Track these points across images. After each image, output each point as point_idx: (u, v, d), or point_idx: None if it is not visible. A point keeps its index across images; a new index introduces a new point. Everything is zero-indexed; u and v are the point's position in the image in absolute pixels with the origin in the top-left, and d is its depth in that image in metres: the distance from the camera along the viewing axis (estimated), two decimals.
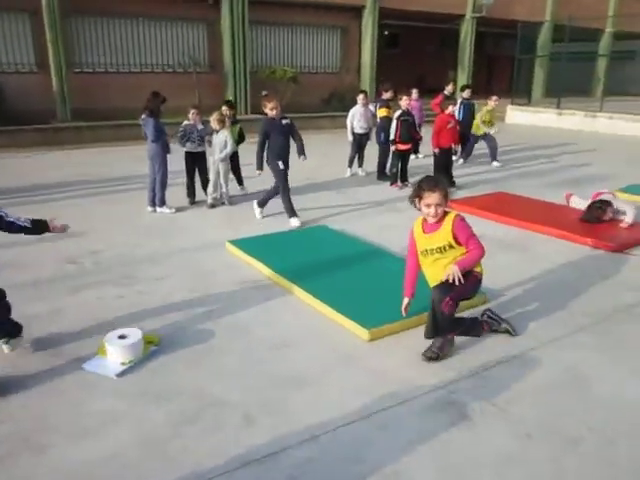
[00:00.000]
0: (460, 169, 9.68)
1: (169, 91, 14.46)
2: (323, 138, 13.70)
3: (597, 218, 6.11)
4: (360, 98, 9.02)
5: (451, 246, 3.36)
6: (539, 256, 5.30)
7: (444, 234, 3.36)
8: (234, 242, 5.33)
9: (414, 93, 10.83)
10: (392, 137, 8.22)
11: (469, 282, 3.36)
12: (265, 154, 6.17)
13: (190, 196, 7.22)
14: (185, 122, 7.37)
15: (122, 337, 3.36)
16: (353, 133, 9.16)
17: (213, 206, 7.02)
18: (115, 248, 5.48)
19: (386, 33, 23.33)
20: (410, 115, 8.34)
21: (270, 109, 6.00)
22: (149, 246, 5.55)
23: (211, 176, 7.02)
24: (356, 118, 9.03)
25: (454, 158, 10.15)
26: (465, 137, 10.69)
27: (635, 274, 4.83)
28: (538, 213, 6.54)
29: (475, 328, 3.67)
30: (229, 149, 6.93)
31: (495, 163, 10.25)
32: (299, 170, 9.68)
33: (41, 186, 8.15)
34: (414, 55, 24.26)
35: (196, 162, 7.19)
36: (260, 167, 6.18)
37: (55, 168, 9.67)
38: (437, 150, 8.16)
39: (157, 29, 15.54)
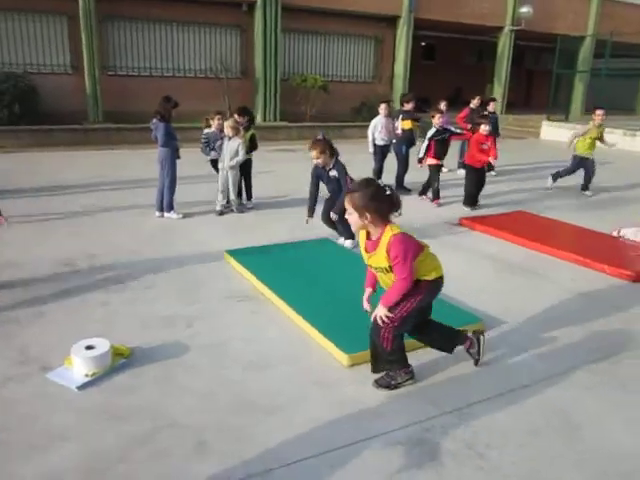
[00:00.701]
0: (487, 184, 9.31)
1: (200, 96, 14.79)
2: (348, 148, 13.49)
3: None
4: (382, 108, 8.79)
5: (392, 269, 2.95)
6: (550, 282, 4.98)
7: (381, 257, 2.94)
8: (232, 252, 5.19)
9: (442, 105, 10.56)
10: (421, 155, 7.94)
11: (406, 307, 3.00)
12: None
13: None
14: (206, 130, 7.31)
15: (90, 347, 3.25)
16: (374, 145, 8.95)
17: (222, 214, 6.92)
18: (114, 253, 5.41)
19: (423, 44, 23.06)
20: (446, 131, 7.96)
21: (313, 157, 5.55)
22: (148, 252, 5.47)
23: (220, 183, 6.92)
24: (377, 129, 8.82)
25: (493, 174, 9.80)
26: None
27: None
28: (557, 235, 6.21)
29: (455, 339, 3.34)
30: (240, 157, 6.82)
31: (587, 192, 9.12)
32: None
33: (59, 187, 8.22)
34: (451, 67, 23.87)
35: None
36: (310, 214, 5.76)
37: (78, 168, 9.78)
38: (476, 166, 7.67)
39: (191, 34, 15.70)
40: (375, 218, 2.89)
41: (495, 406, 3.04)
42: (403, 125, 8.77)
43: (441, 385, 3.23)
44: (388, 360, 3.15)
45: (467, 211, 7.54)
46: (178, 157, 6.78)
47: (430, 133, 7.93)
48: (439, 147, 7.86)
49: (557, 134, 17.53)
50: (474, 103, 10.56)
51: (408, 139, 8.81)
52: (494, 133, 10.11)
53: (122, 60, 15.02)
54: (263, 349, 3.60)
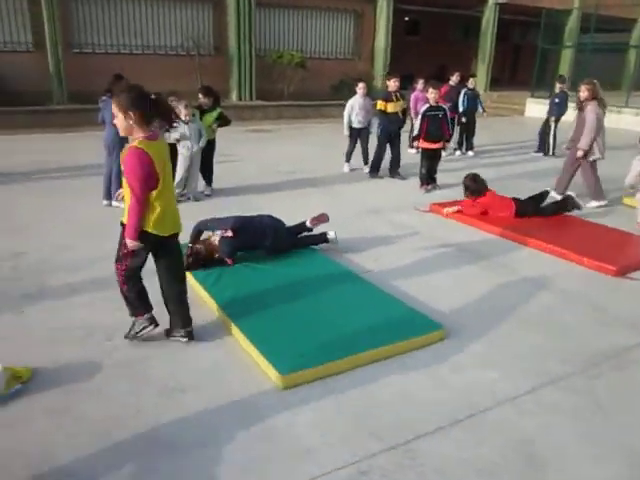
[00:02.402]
0: (457, 162, 8.85)
1: (171, 75, 14.07)
2: (327, 127, 12.98)
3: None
4: (360, 87, 8.09)
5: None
6: (522, 277, 4.51)
7: (123, 162, 2.99)
8: None
9: (420, 83, 10.00)
10: (416, 133, 7.34)
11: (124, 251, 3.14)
12: None
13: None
14: None
15: None
16: (350, 127, 8.30)
17: (177, 202, 6.38)
18: (44, 250, 4.87)
19: (406, 19, 22.30)
20: (441, 110, 7.29)
21: None
22: (83, 248, 4.94)
23: (182, 170, 6.43)
24: (355, 110, 8.13)
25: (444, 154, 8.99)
26: (470, 128, 9.99)
27: (635, 306, 4.04)
28: (531, 222, 5.71)
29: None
30: (202, 142, 6.51)
31: None
32: (287, 160, 9.06)
33: (5, 173, 7.62)
34: (436, 43, 23.14)
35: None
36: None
37: (33, 152, 9.15)
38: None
39: (160, 9, 14.90)
40: (138, 119, 2.92)
41: (448, 438, 2.59)
42: (379, 106, 8.02)
43: (388, 410, 2.77)
44: (125, 297, 3.28)
45: (443, 195, 7.06)
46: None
47: (423, 108, 7.31)
48: (433, 127, 7.18)
49: (542, 111, 17.00)
50: (453, 80, 10.06)
51: (386, 121, 8.03)
52: (474, 109, 9.80)
53: (88, 37, 14.21)
54: (187, 368, 3.11)
